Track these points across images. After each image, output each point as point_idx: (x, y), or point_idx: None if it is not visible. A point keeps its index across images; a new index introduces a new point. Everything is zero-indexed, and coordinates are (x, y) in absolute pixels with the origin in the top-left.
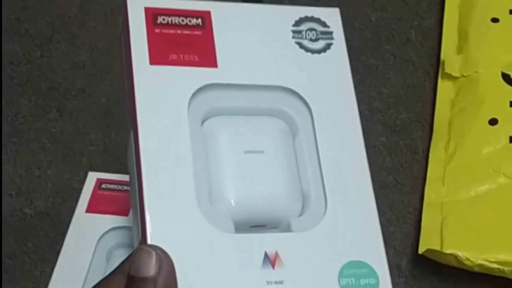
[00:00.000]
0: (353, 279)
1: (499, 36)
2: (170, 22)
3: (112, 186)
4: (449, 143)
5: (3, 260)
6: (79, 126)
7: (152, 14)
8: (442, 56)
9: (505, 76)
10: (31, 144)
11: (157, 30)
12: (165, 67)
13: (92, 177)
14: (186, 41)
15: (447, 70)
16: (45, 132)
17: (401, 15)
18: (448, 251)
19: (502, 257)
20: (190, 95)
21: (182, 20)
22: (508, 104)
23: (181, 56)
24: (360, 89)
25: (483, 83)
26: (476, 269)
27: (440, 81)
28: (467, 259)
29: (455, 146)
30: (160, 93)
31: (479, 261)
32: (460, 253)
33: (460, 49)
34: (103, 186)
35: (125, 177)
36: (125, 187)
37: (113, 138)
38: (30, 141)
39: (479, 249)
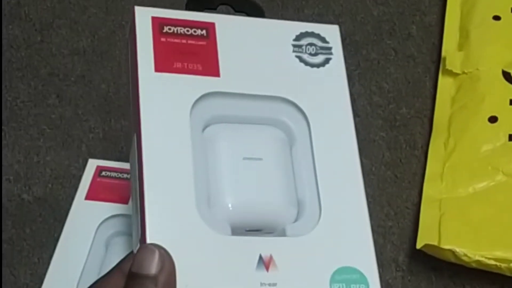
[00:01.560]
0: (344, 284)
1: (500, 34)
2: (175, 31)
3: (112, 174)
4: (449, 140)
5: (1, 245)
6: (79, 112)
7: (158, 24)
8: (443, 53)
9: (505, 74)
10: (30, 129)
11: (163, 39)
12: (169, 74)
13: (92, 164)
14: (191, 51)
15: (448, 67)
16: (44, 117)
17: (403, 10)
18: (446, 246)
19: (499, 253)
20: (192, 102)
21: (187, 31)
22: (508, 102)
23: (185, 64)
24: (360, 83)
25: (484, 81)
26: (473, 265)
27: (440, 78)
28: (465, 255)
29: (454, 143)
30: (163, 99)
31: (477, 257)
32: (458, 249)
33: (461, 46)
34: (103, 173)
35: (125, 165)
36: (125, 175)
37: (112, 125)
38: (29, 127)
39: (477, 245)
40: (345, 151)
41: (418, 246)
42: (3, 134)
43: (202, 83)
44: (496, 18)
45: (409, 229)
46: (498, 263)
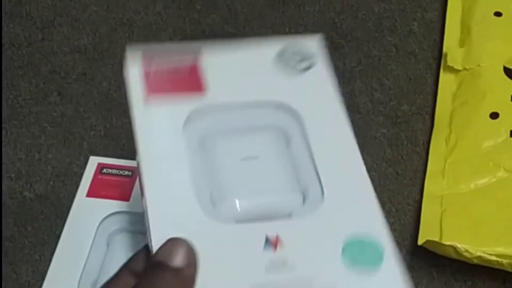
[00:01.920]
0: (357, 250)
1: (501, 30)
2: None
3: (113, 171)
4: (450, 136)
5: (2, 242)
6: (80, 110)
7: (147, 58)
8: (444, 49)
9: (507, 70)
10: (31, 127)
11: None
12: (159, 95)
13: (94, 162)
14: (178, 74)
15: (449, 63)
16: (45, 115)
17: (404, 6)
18: (448, 242)
19: (500, 249)
20: (183, 119)
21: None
22: (509, 98)
23: (174, 84)
24: (361, 80)
25: (485, 77)
26: (475, 261)
27: (442, 74)
28: (466, 251)
29: (455, 139)
30: (156, 120)
31: (478, 253)
32: (459, 245)
33: (462, 42)
34: (104, 170)
35: (126, 162)
36: (126, 172)
37: (113, 123)
38: (30, 124)
39: (478, 241)
40: (341, 140)
41: (420, 242)
42: (4, 132)
43: (191, 101)
44: (498, 14)
45: (411, 226)
46: (499, 259)
